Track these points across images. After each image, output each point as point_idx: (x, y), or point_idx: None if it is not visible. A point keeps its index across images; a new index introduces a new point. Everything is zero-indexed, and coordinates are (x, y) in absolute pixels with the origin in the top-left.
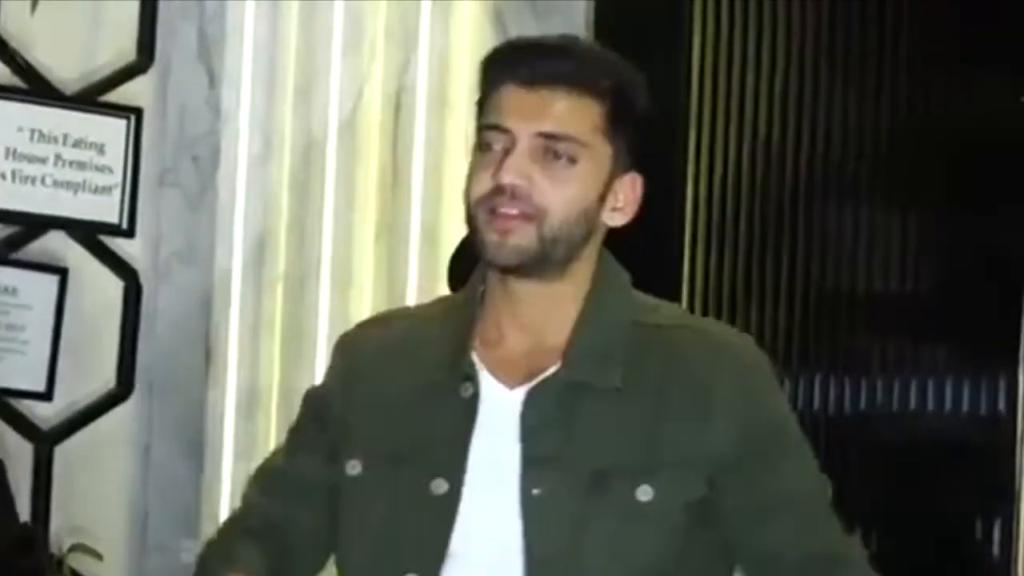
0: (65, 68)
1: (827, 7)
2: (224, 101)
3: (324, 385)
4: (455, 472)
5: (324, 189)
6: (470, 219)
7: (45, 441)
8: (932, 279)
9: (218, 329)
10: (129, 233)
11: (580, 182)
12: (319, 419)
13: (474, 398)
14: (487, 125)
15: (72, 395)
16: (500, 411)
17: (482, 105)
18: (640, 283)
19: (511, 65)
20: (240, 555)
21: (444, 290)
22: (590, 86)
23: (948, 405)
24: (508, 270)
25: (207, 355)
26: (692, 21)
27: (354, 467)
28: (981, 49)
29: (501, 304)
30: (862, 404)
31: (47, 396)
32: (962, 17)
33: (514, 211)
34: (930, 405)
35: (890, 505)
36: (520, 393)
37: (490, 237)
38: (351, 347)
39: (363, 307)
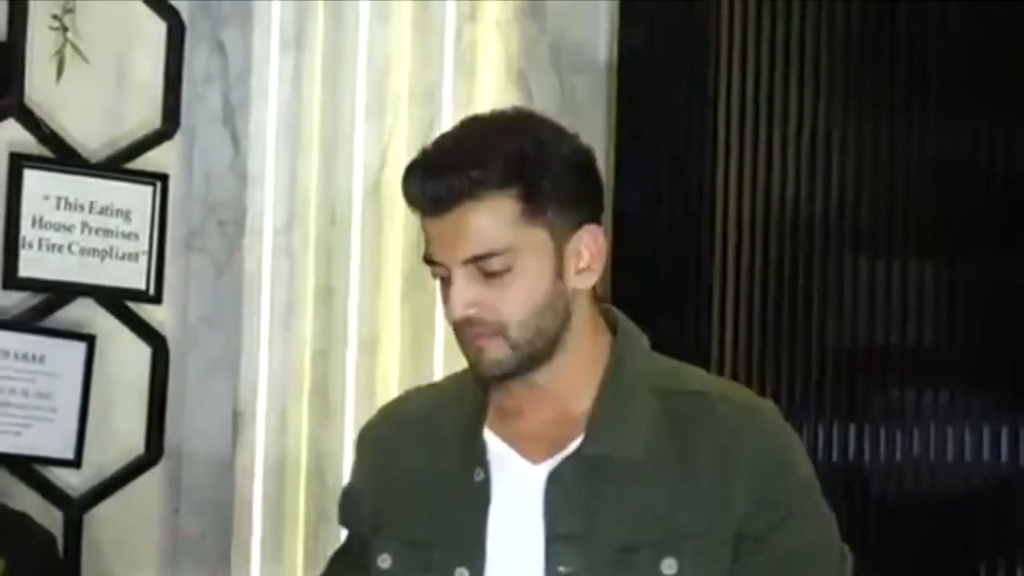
0: (90, 135)
1: (853, 56)
2: (249, 165)
3: (352, 487)
4: (476, 560)
5: (350, 251)
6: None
7: (74, 508)
8: (963, 327)
9: (246, 394)
10: (156, 299)
11: (525, 281)
12: (357, 527)
13: (485, 483)
14: (427, 259)
15: (100, 462)
16: (521, 488)
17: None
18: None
19: (414, 196)
20: None
21: None
22: (492, 186)
23: (966, 454)
24: (499, 380)
25: (235, 420)
26: (718, 80)
27: (384, 560)
28: (1012, 93)
29: (515, 382)
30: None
31: (76, 463)
32: (993, 62)
33: (479, 332)
34: (951, 454)
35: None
36: (543, 469)
37: (469, 356)
38: (374, 441)
39: (390, 370)
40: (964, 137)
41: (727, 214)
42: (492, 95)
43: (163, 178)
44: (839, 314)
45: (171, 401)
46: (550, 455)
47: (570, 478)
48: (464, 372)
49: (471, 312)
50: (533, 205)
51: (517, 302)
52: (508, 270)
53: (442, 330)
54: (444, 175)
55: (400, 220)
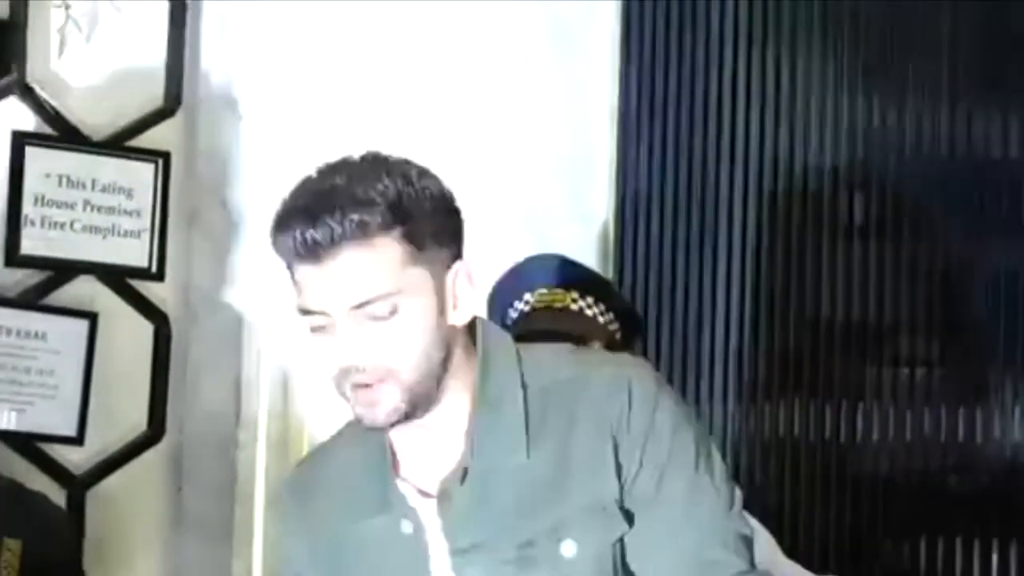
0: (92, 114)
1: (829, 53)
2: (253, 146)
3: (285, 543)
4: None
5: None
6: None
7: (77, 485)
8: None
9: (248, 371)
10: (158, 276)
11: (411, 323)
12: None
13: (418, 533)
14: (302, 310)
15: (103, 439)
16: (432, 525)
17: (291, 272)
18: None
19: (291, 244)
20: None
21: None
22: (378, 228)
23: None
24: (394, 426)
25: (237, 397)
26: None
27: None
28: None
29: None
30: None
31: (79, 440)
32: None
33: (368, 381)
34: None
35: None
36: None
37: (360, 411)
38: (298, 495)
39: None
40: (934, 121)
41: (714, 191)
42: (501, 71)
43: (165, 156)
44: (810, 292)
45: (173, 378)
46: (442, 485)
47: (458, 495)
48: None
49: (357, 361)
50: (415, 245)
51: (406, 345)
52: (395, 313)
53: None
54: (325, 220)
55: None
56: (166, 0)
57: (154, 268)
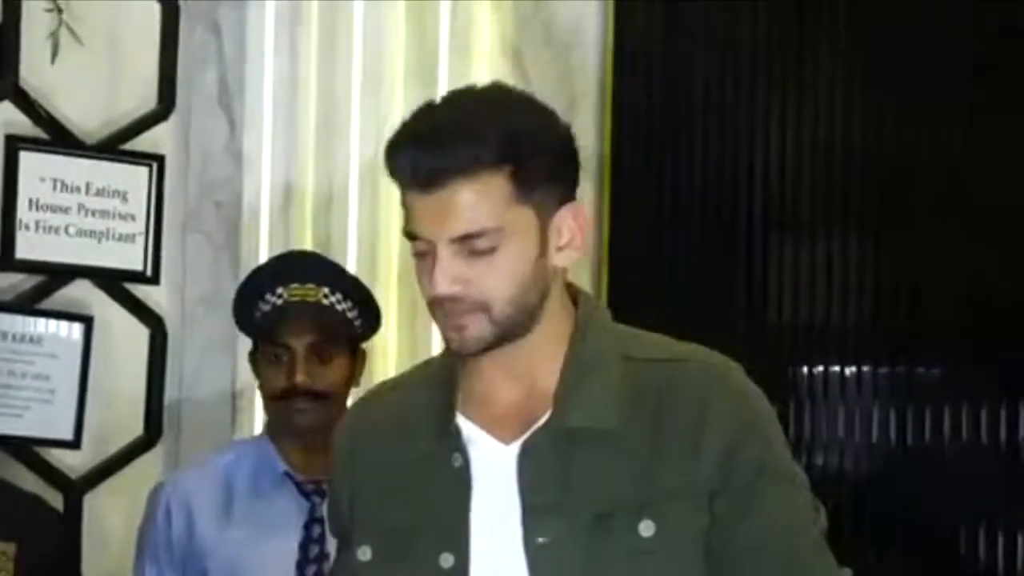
0: (86, 117)
1: (776, 41)
2: (245, 146)
3: (332, 496)
4: (459, 544)
5: (347, 230)
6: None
7: (74, 489)
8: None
9: (244, 373)
10: (154, 280)
11: (510, 261)
12: (342, 532)
13: (465, 466)
14: (408, 233)
15: (100, 443)
16: (496, 469)
17: (403, 195)
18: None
19: (403, 170)
20: None
21: None
22: (485, 164)
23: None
24: (476, 355)
25: (233, 399)
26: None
27: (364, 552)
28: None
29: (485, 361)
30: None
31: (75, 444)
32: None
33: (460, 309)
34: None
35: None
36: (515, 447)
37: (449, 335)
38: (345, 443)
39: (388, 349)
40: (889, 124)
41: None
42: (487, 71)
43: (159, 159)
44: (762, 291)
45: (169, 382)
46: (521, 433)
47: (541, 451)
48: (429, 361)
49: (453, 290)
50: (524, 185)
51: (502, 281)
52: (495, 249)
53: None
54: (438, 150)
55: (397, 199)
56: (158, 2)
57: (149, 272)
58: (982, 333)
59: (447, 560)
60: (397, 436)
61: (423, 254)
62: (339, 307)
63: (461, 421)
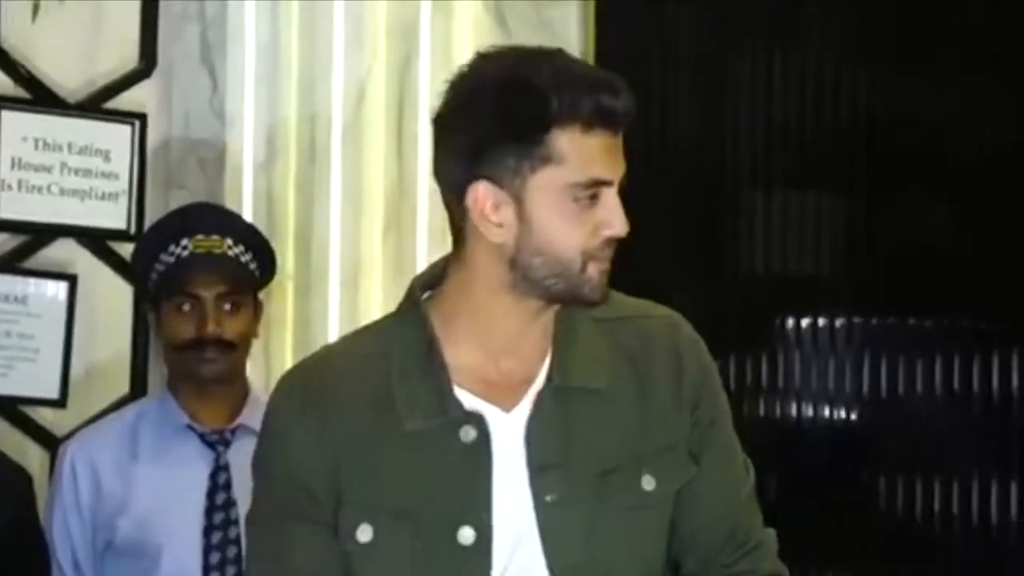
0: (68, 76)
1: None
2: (228, 104)
3: (296, 455)
4: (480, 517)
5: (330, 188)
6: (559, 263)
7: (56, 448)
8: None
9: None
10: (137, 238)
11: None
12: (311, 496)
13: (481, 441)
14: (592, 180)
15: (86, 401)
16: (505, 438)
17: (542, 141)
18: None
19: (592, 111)
20: None
21: None
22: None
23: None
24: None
25: None
26: None
27: (364, 532)
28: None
29: (481, 328)
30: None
31: (61, 403)
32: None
33: (610, 253)
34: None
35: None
36: (518, 413)
37: (600, 280)
38: (309, 403)
39: (372, 304)
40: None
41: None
42: (470, 30)
43: (142, 117)
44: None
45: (154, 339)
46: (517, 399)
47: (546, 413)
48: (378, 330)
49: (625, 230)
50: None
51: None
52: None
53: (423, 262)
54: (623, 95)
55: (380, 154)
56: None
57: (133, 230)
58: (941, 290)
59: (467, 535)
60: (377, 410)
61: (593, 197)
62: (243, 258)
63: (460, 395)
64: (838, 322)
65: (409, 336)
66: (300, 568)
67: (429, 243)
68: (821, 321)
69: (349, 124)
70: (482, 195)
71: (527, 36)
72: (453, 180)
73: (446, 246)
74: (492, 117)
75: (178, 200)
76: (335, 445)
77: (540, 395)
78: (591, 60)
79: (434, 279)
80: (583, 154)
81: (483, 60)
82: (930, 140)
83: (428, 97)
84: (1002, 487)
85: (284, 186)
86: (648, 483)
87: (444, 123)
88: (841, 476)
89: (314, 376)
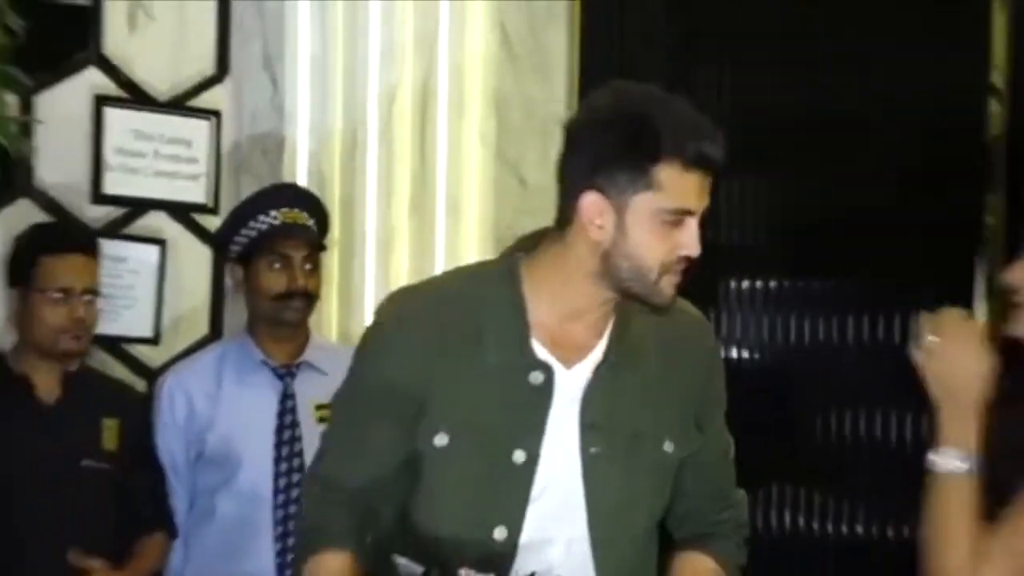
0: (158, 81)
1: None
2: (286, 104)
3: (394, 361)
4: (533, 445)
5: (367, 173)
6: (641, 269)
7: (153, 378)
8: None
9: None
10: (214, 211)
11: None
12: (397, 399)
13: (546, 385)
14: (681, 209)
15: (174, 341)
16: (564, 388)
17: (649, 171)
18: None
19: (694, 155)
20: (334, 528)
21: (463, 254)
22: None
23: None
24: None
25: None
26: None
27: (441, 439)
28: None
29: (561, 297)
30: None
31: (154, 342)
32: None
33: (682, 268)
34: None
35: None
36: (577, 372)
37: (669, 291)
38: (412, 329)
39: (401, 266)
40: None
41: None
42: (481, 47)
43: (217, 114)
44: None
45: (230, 289)
46: (577, 361)
47: (601, 377)
48: (478, 275)
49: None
50: None
51: None
52: None
53: (442, 235)
54: (719, 145)
55: (407, 145)
56: None
57: (210, 204)
58: (849, 253)
59: (519, 456)
60: (467, 344)
61: (677, 222)
62: (315, 228)
63: (535, 346)
64: (771, 284)
65: (502, 286)
66: (371, 449)
67: (446, 218)
68: (756, 283)
69: (382, 121)
70: (592, 202)
71: (526, 56)
72: (571, 182)
73: (459, 220)
74: (613, 143)
75: (246, 182)
76: (428, 362)
77: (598, 367)
78: (576, 80)
79: (529, 244)
80: (679, 187)
81: (615, 91)
82: (832, 128)
83: (447, 100)
84: (899, 418)
85: (331, 171)
86: (668, 447)
87: (573, 135)
88: (770, 409)
89: (419, 301)
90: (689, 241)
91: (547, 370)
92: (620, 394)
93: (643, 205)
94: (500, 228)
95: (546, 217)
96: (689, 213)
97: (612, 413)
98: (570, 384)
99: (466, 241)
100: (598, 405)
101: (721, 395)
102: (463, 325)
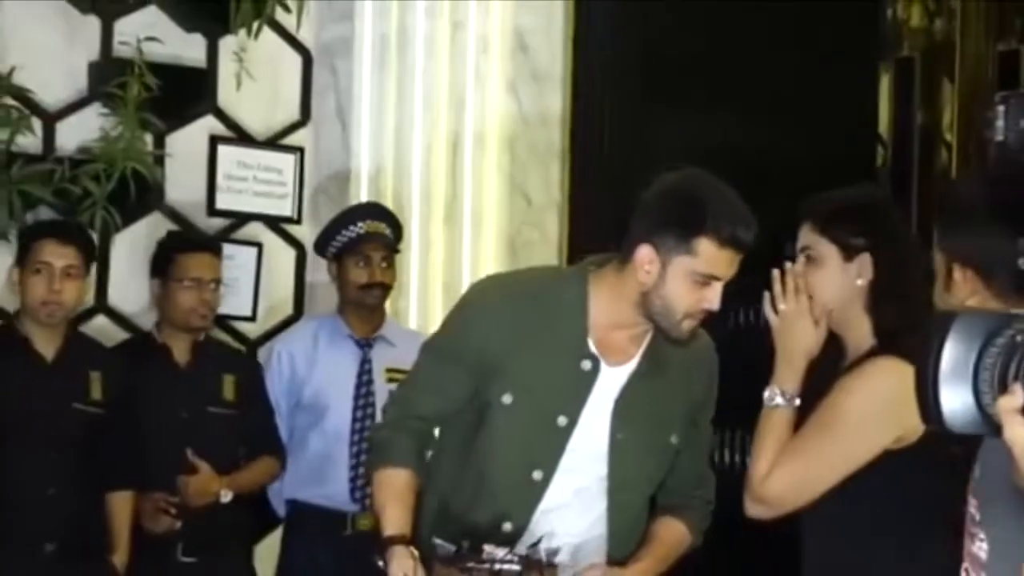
0: (256, 124)
1: None
2: (352, 144)
3: (479, 331)
4: (574, 413)
5: (412, 196)
6: (668, 311)
7: (252, 346)
8: None
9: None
10: (298, 222)
11: None
12: (477, 359)
13: (592, 372)
14: (710, 275)
15: (267, 319)
16: (605, 381)
17: (691, 241)
18: None
19: (740, 240)
20: (400, 447)
21: (483, 256)
22: None
23: None
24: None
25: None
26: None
27: (508, 397)
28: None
29: (612, 309)
30: None
31: (253, 319)
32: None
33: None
34: None
35: None
36: (618, 372)
37: (688, 331)
38: (499, 308)
39: (437, 265)
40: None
41: None
42: (498, 100)
43: (301, 151)
44: None
45: (307, 282)
46: (619, 363)
47: (634, 382)
48: (560, 280)
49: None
50: None
51: None
52: None
53: (468, 241)
54: (753, 231)
55: (442, 176)
56: (299, 55)
57: (295, 217)
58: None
59: (562, 421)
60: (540, 329)
61: (706, 283)
62: (391, 235)
63: (590, 341)
64: None
65: (573, 287)
66: (446, 389)
67: (471, 229)
68: None
69: (423, 158)
70: (645, 254)
71: (531, 109)
72: (635, 233)
73: (480, 231)
74: (667, 215)
75: (322, 201)
76: (508, 338)
77: (633, 373)
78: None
79: (601, 261)
80: (713, 258)
81: (683, 174)
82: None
83: (471, 141)
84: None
85: (384, 195)
86: (674, 439)
87: (646, 200)
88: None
89: (510, 288)
90: (713, 299)
91: (595, 361)
92: (645, 397)
93: (682, 265)
94: (511, 236)
95: (545, 229)
96: (716, 279)
97: (637, 411)
98: (610, 380)
99: (486, 246)
100: (628, 402)
101: (714, 400)
102: (539, 314)
